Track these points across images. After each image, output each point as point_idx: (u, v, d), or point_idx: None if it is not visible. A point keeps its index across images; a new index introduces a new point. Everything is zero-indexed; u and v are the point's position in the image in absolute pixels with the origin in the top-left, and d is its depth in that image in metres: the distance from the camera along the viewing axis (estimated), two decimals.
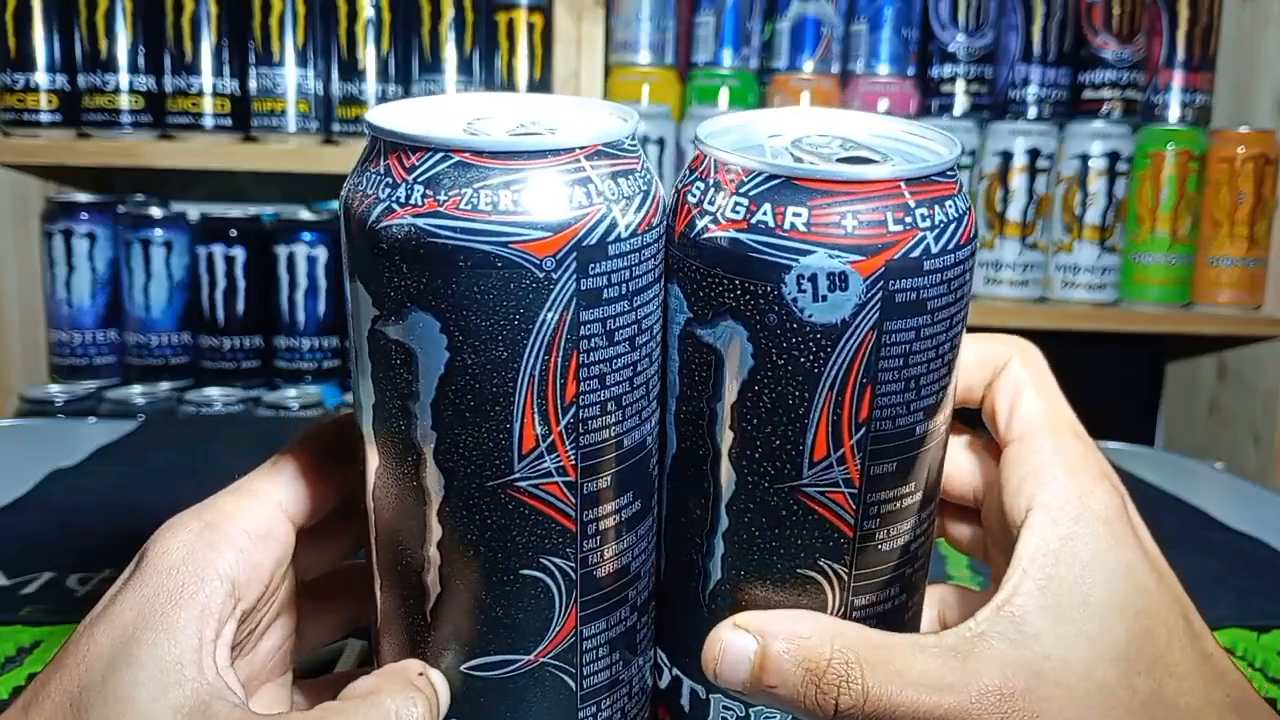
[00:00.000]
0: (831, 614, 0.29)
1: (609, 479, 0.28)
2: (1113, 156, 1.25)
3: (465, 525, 0.27)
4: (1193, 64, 1.29)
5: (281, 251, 1.26)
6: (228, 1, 1.19)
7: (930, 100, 1.28)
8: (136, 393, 1.21)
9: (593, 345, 0.26)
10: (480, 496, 0.27)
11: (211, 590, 0.28)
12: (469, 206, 0.24)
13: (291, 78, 1.21)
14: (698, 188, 0.27)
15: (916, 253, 0.26)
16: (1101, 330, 1.29)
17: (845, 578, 0.29)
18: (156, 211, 1.25)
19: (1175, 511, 0.67)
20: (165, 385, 1.25)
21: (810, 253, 0.25)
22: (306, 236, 1.26)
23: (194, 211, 1.29)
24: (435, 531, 0.27)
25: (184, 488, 0.64)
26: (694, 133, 0.29)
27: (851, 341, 0.26)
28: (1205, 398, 1.44)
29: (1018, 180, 1.26)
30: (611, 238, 0.26)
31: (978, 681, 0.26)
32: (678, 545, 0.30)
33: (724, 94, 1.24)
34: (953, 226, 0.27)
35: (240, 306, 1.26)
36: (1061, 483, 0.29)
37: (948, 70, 1.27)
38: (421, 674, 0.29)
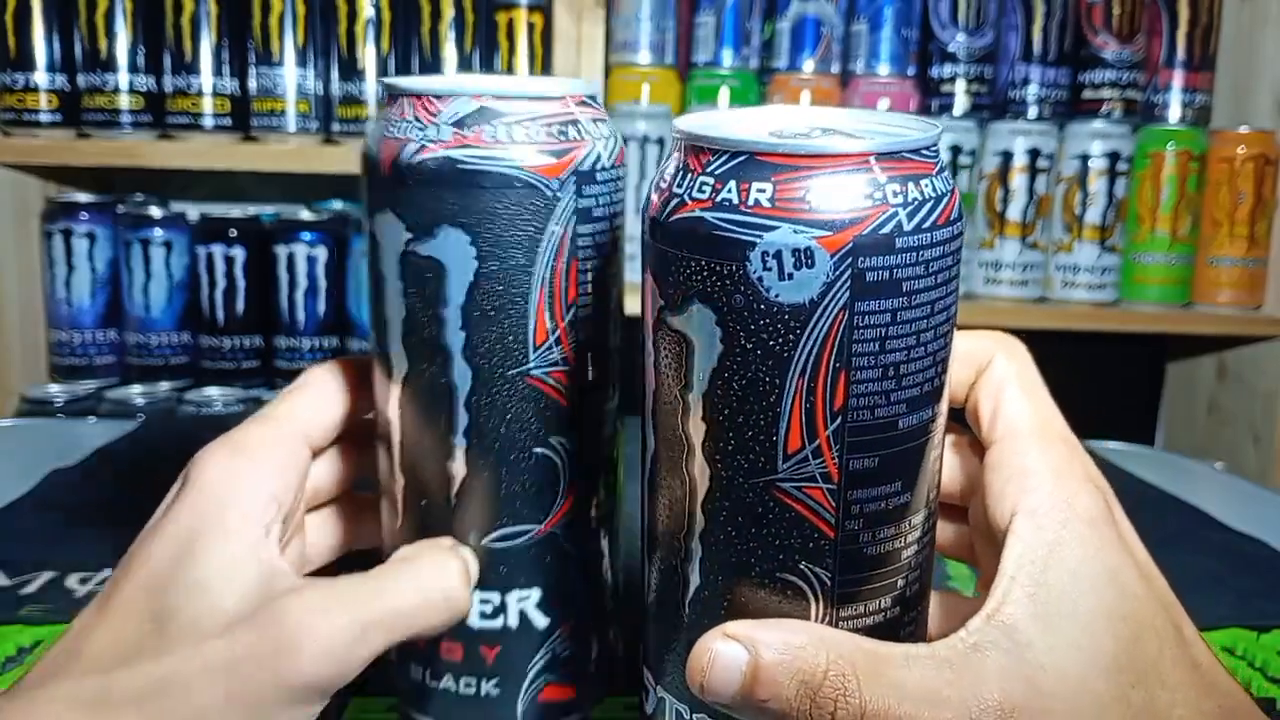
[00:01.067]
0: (815, 622, 0.28)
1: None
2: (1113, 156, 1.25)
3: (489, 412, 0.32)
4: (1193, 64, 1.29)
5: (281, 251, 1.26)
6: (228, 1, 1.19)
7: (930, 100, 1.28)
8: (136, 393, 1.21)
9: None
10: (501, 385, 0.32)
11: (254, 498, 0.32)
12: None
13: (291, 78, 1.21)
14: (669, 173, 0.27)
15: (887, 229, 0.25)
16: (1101, 330, 1.29)
17: (829, 583, 0.27)
18: (156, 211, 1.26)
19: (1175, 511, 0.67)
20: (165, 385, 1.25)
21: (774, 228, 0.25)
22: (306, 236, 1.26)
23: (194, 211, 1.29)
24: (461, 420, 0.32)
25: None
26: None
27: (821, 323, 0.25)
28: (1205, 398, 1.44)
29: (1018, 180, 1.26)
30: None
31: (976, 695, 0.25)
32: (660, 552, 0.29)
33: (724, 94, 1.24)
34: (929, 205, 0.26)
35: (240, 306, 1.26)
36: (1046, 487, 0.28)
37: (948, 70, 1.27)
38: (451, 545, 0.33)
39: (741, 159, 0.25)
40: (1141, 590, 0.28)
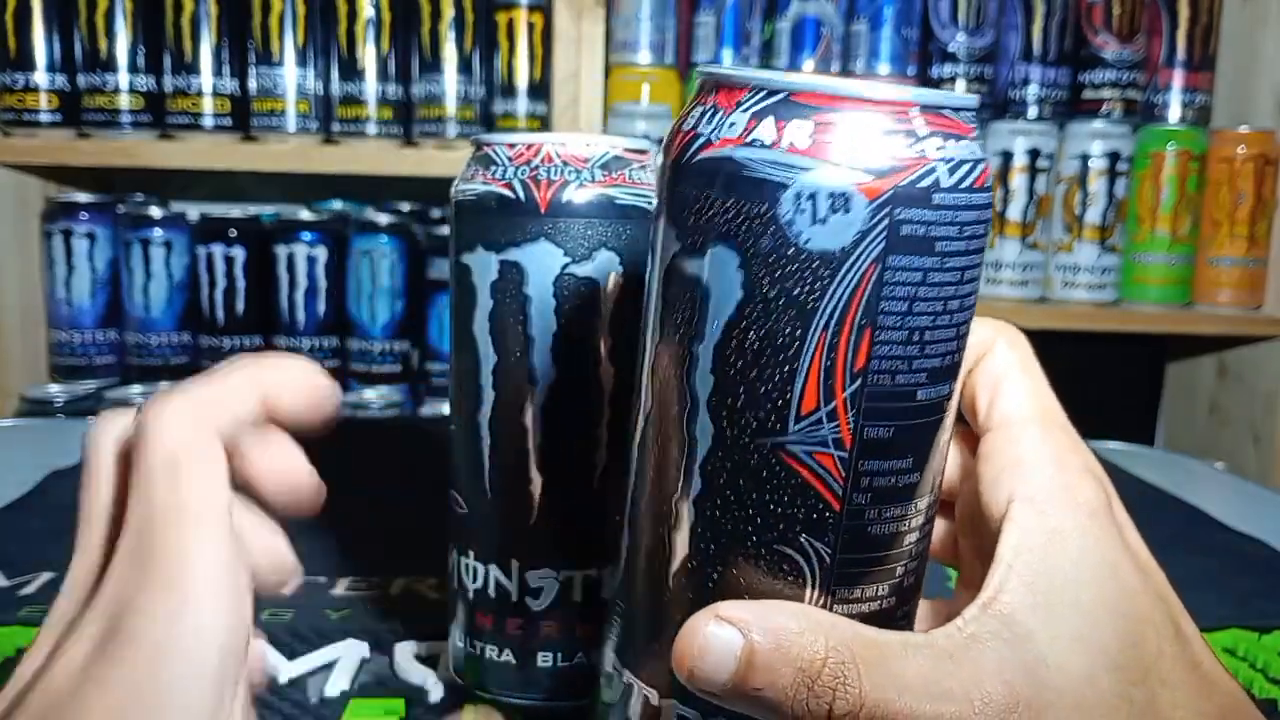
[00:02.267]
0: (810, 604, 0.26)
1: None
2: (1113, 156, 1.25)
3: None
4: (1193, 64, 1.29)
5: (281, 251, 1.26)
6: (228, 1, 1.19)
7: None
8: (136, 393, 1.21)
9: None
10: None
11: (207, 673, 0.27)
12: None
13: (291, 78, 1.21)
14: (695, 114, 0.26)
15: (926, 182, 0.24)
16: (1101, 330, 1.29)
17: (828, 560, 0.25)
18: (156, 211, 1.25)
19: (1175, 511, 0.67)
20: (165, 385, 1.24)
21: (810, 170, 0.23)
22: (306, 236, 1.26)
23: (194, 211, 1.29)
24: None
25: None
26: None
27: (851, 274, 0.24)
28: (1205, 398, 1.44)
29: (1018, 180, 1.26)
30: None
31: (979, 688, 0.24)
32: (644, 520, 0.27)
33: None
34: (967, 166, 0.25)
35: (240, 306, 1.26)
36: (1047, 474, 0.27)
37: (948, 70, 1.27)
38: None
39: (779, 97, 0.24)
40: (1142, 586, 0.27)
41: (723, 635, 0.24)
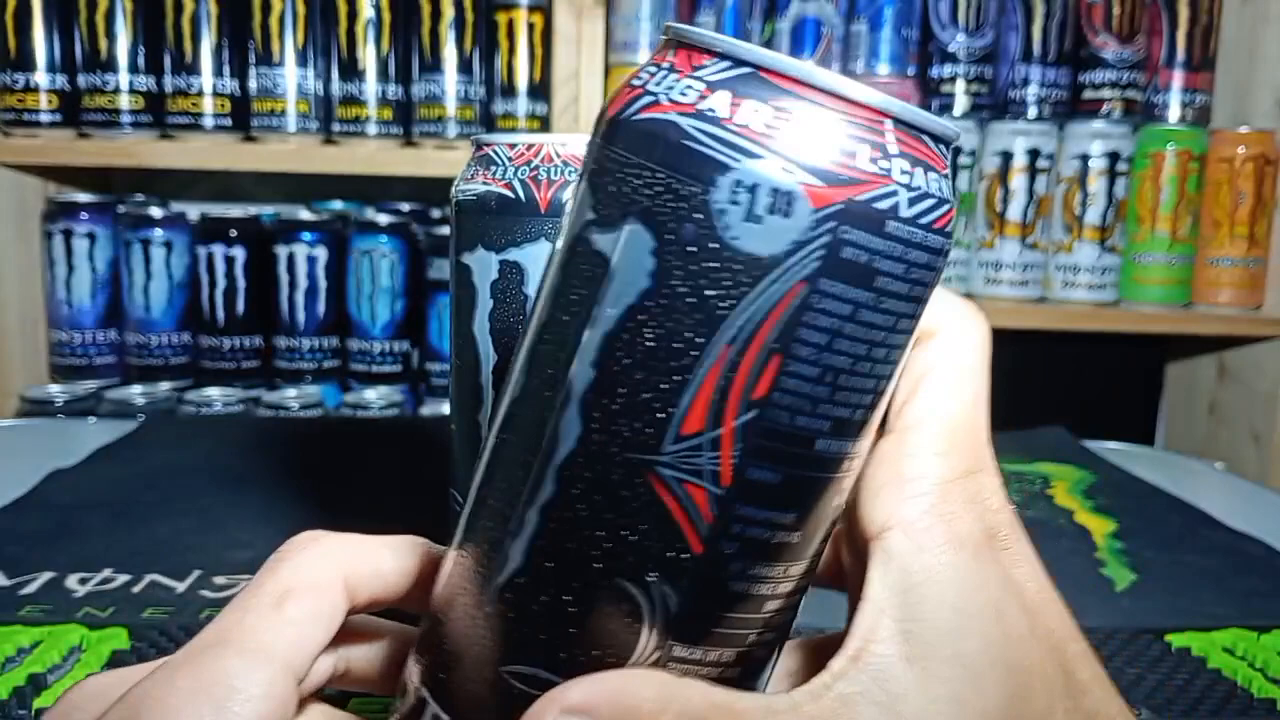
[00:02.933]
0: (637, 654, 0.22)
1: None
2: (1113, 156, 1.26)
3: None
4: (1193, 64, 1.29)
5: (281, 251, 1.26)
6: (228, 1, 1.19)
7: (930, 100, 1.28)
8: (136, 393, 1.21)
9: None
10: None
11: None
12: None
13: (291, 78, 1.21)
14: (648, 71, 0.22)
15: (884, 205, 0.21)
16: (1101, 330, 1.29)
17: (672, 609, 0.22)
18: (156, 211, 1.26)
19: (1175, 511, 0.67)
20: (165, 385, 1.25)
21: (758, 157, 0.20)
22: (306, 236, 1.26)
23: (194, 211, 1.29)
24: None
25: (184, 488, 0.65)
26: None
27: (775, 287, 0.21)
28: (1205, 398, 1.44)
29: (1018, 180, 1.26)
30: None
31: None
32: (480, 517, 0.24)
33: None
34: (932, 201, 0.22)
35: (240, 306, 1.26)
36: (927, 500, 0.24)
37: (948, 70, 1.27)
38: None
39: (743, 71, 0.21)
40: (1029, 631, 0.24)
41: None
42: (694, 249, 0.21)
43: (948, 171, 0.23)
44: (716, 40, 0.21)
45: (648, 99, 0.22)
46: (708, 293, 0.21)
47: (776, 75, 0.21)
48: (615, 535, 0.22)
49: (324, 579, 0.26)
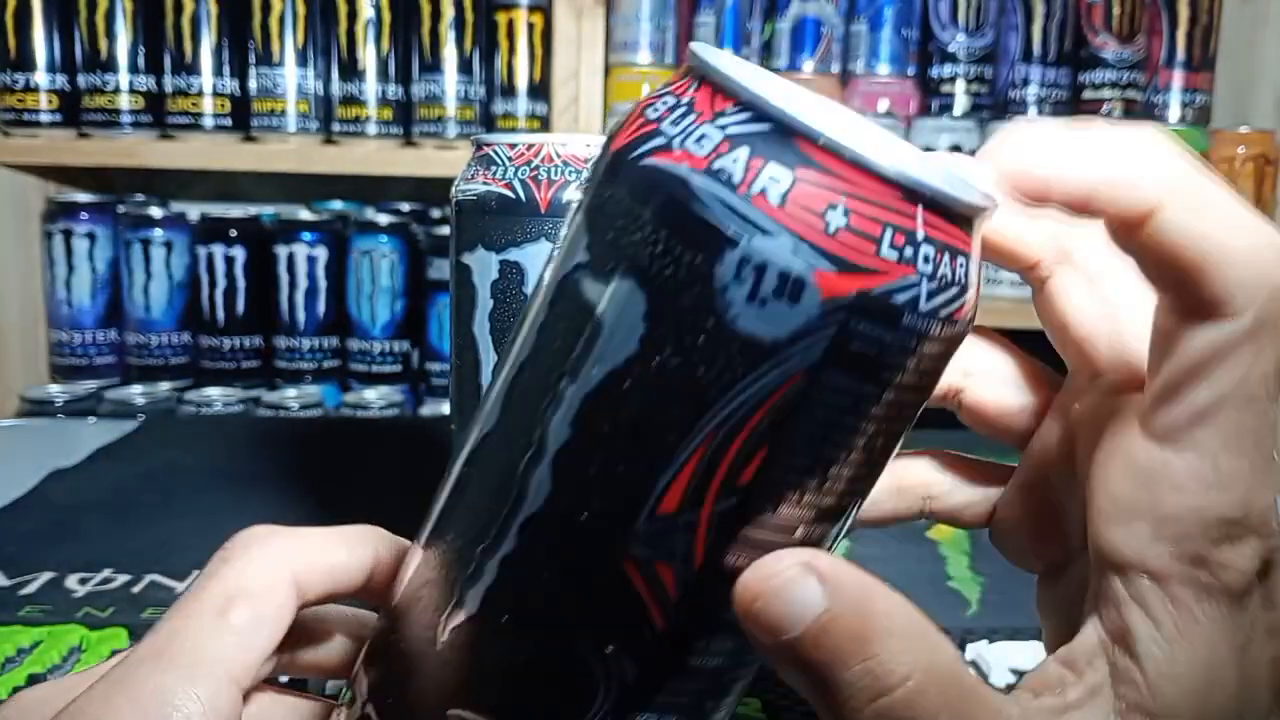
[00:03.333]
0: (589, 717, 0.21)
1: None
2: None
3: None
4: (1193, 64, 1.29)
5: (281, 251, 1.26)
6: (228, 1, 1.19)
7: (930, 100, 1.28)
8: (136, 393, 1.22)
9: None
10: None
11: None
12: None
13: (291, 78, 1.21)
14: (664, 103, 0.20)
15: (901, 298, 0.19)
16: None
17: (627, 681, 0.21)
18: (156, 211, 1.26)
19: None
20: (165, 385, 1.25)
21: (769, 235, 0.18)
22: (306, 236, 1.26)
23: (194, 211, 1.29)
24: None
25: (184, 488, 0.65)
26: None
27: (772, 375, 0.19)
28: None
29: None
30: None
31: None
32: (442, 552, 0.23)
33: None
34: (953, 291, 0.20)
35: (240, 306, 1.26)
36: (1193, 546, 0.21)
37: (948, 70, 1.27)
38: None
39: (767, 127, 0.19)
40: (1263, 665, 0.22)
41: (804, 587, 0.20)
42: (689, 321, 0.19)
43: (974, 249, 0.21)
44: (743, 85, 0.19)
45: (659, 140, 0.20)
46: (698, 371, 0.19)
47: (802, 139, 0.19)
48: (576, 602, 0.21)
49: (271, 582, 0.25)
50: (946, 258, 0.19)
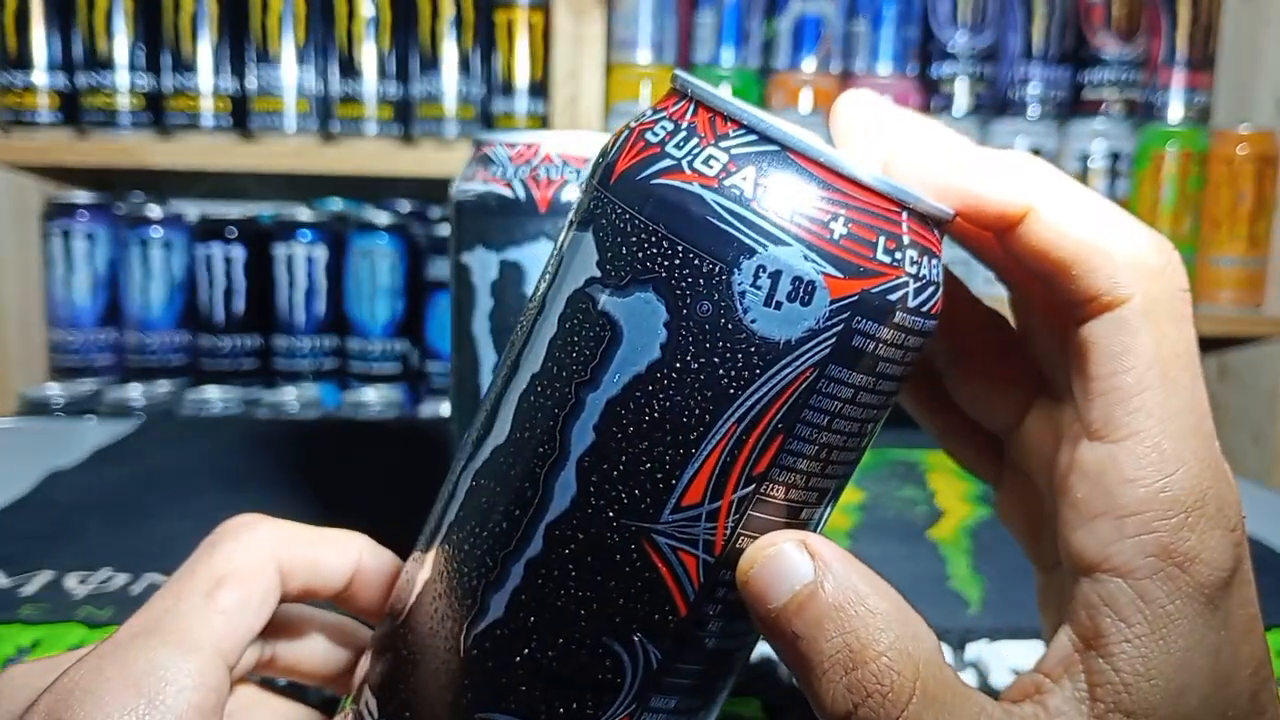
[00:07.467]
0: (618, 705, 0.23)
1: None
2: (1113, 156, 1.26)
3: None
4: (1193, 64, 1.29)
5: (280, 251, 1.26)
6: (227, 1, 1.19)
7: (931, 99, 1.28)
8: (136, 393, 1.21)
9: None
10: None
11: None
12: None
13: (291, 77, 1.21)
14: (663, 127, 0.22)
15: (895, 296, 0.21)
16: None
17: (655, 666, 0.22)
18: (155, 211, 1.26)
19: None
20: (164, 385, 1.25)
21: (784, 244, 0.20)
22: (305, 236, 1.26)
23: (193, 211, 1.29)
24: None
25: (183, 488, 0.65)
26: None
27: (787, 372, 0.21)
28: None
29: None
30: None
31: None
32: (459, 563, 0.23)
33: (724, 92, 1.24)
34: (932, 289, 0.22)
35: (239, 306, 1.26)
36: (1155, 540, 0.21)
37: (948, 69, 1.27)
38: None
39: (769, 149, 0.21)
40: (1235, 666, 0.22)
41: (795, 560, 0.21)
42: (709, 327, 0.21)
43: (942, 252, 0.23)
44: (742, 111, 0.21)
45: (668, 163, 0.21)
46: (719, 372, 0.21)
47: (803, 158, 0.21)
48: (603, 596, 0.22)
49: (257, 565, 0.26)
50: (925, 259, 0.22)
